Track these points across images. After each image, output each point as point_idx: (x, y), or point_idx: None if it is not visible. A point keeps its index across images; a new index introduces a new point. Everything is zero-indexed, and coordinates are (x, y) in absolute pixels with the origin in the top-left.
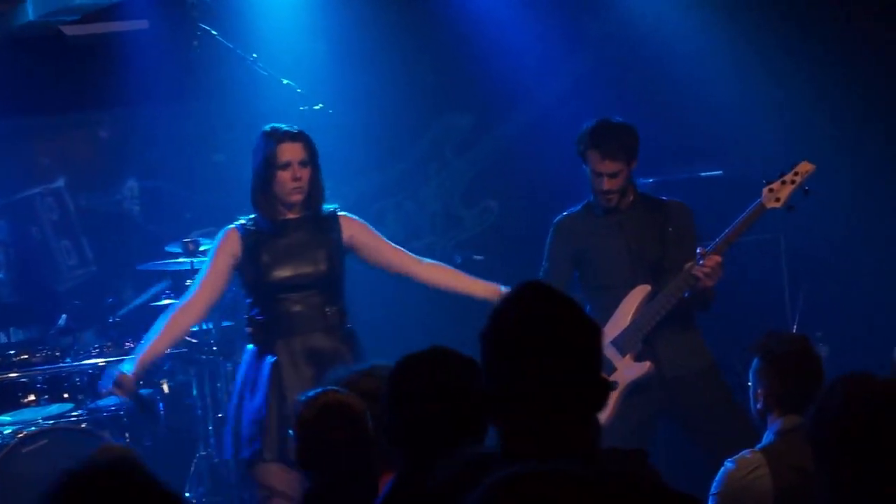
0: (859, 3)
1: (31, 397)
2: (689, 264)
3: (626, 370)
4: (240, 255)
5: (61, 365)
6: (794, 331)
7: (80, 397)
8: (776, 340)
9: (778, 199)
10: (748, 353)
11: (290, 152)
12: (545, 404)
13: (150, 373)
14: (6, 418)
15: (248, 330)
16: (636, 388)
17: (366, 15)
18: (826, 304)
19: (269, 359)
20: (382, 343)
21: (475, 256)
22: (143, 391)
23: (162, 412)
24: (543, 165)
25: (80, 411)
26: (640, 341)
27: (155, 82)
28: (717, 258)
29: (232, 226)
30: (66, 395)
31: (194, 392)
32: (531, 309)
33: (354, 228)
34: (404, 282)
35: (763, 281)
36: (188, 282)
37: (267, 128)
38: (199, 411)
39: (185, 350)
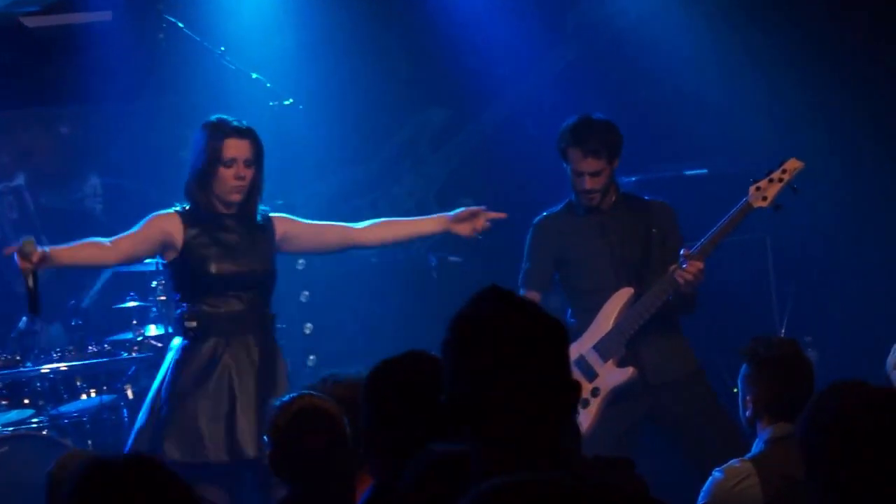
0: None
1: None
2: (672, 267)
3: (609, 376)
4: (178, 240)
5: (21, 369)
6: (782, 335)
7: (41, 403)
8: (765, 345)
9: (765, 198)
10: (735, 357)
11: (237, 149)
12: (513, 410)
13: (112, 377)
14: None
15: (192, 324)
16: (619, 394)
17: (337, 7)
18: (815, 308)
19: (210, 358)
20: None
21: (451, 258)
22: (106, 397)
23: (126, 418)
24: (522, 163)
25: (41, 417)
26: (622, 346)
27: (119, 76)
28: (699, 264)
29: (172, 209)
30: (26, 401)
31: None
32: (491, 313)
33: (283, 224)
34: (356, 262)
35: (749, 283)
36: (153, 283)
37: (213, 118)
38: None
39: (151, 354)
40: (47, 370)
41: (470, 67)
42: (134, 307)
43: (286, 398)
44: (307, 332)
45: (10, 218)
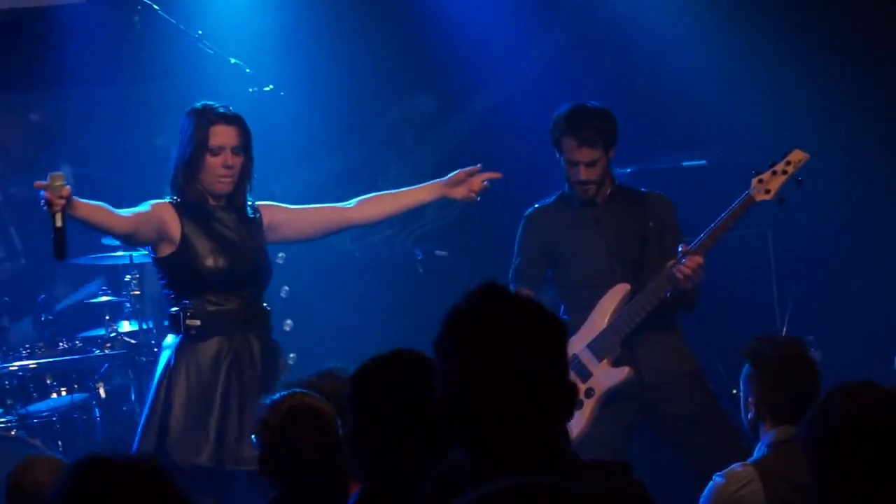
0: None
1: None
2: (670, 262)
3: (604, 376)
4: (175, 233)
5: None
6: (784, 334)
7: (9, 402)
8: (768, 345)
9: (768, 191)
10: (734, 358)
11: (224, 136)
12: (508, 412)
13: (84, 375)
14: None
15: (195, 322)
16: (614, 395)
17: None
18: (818, 306)
19: (211, 358)
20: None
21: (437, 252)
22: (77, 396)
23: (98, 418)
24: (512, 153)
25: (9, 417)
26: (618, 345)
27: (91, 61)
28: (699, 259)
29: (166, 199)
30: None
31: (133, 397)
32: (487, 310)
33: (269, 212)
34: (338, 256)
35: (749, 280)
36: (127, 277)
37: (198, 105)
38: (138, 418)
39: (124, 351)
40: (16, 367)
41: (458, 53)
42: (106, 302)
43: (276, 396)
44: (287, 329)
45: None
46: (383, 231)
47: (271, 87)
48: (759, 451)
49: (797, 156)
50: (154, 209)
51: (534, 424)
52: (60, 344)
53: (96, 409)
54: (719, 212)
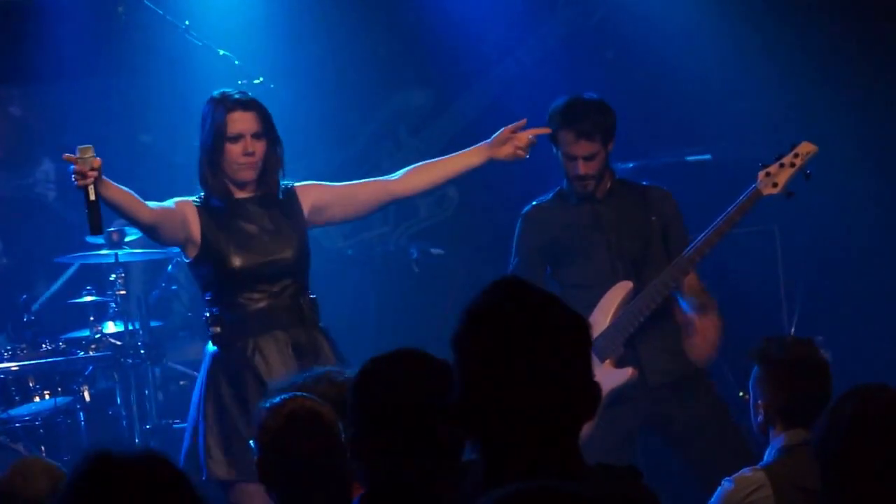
0: None
1: None
2: (675, 259)
3: (607, 378)
4: (196, 232)
5: None
6: (792, 334)
7: None
8: (777, 346)
9: (776, 185)
10: (740, 360)
11: (242, 123)
12: (531, 415)
13: (67, 378)
14: None
15: (216, 330)
16: (618, 397)
17: None
18: (827, 305)
19: (244, 362)
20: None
21: (432, 250)
22: (60, 400)
23: (82, 422)
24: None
25: None
26: (621, 345)
27: (74, 53)
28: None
29: (190, 198)
30: None
31: (118, 400)
32: (506, 306)
33: (312, 194)
34: (332, 254)
35: (756, 279)
36: (112, 276)
37: (216, 94)
38: (125, 422)
39: (109, 353)
40: None
41: (452, 45)
42: (91, 302)
43: (276, 399)
44: None
45: None
46: (377, 228)
47: (261, 79)
48: (769, 456)
49: (805, 148)
50: (178, 207)
51: (554, 426)
52: (43, 346)
53: (80, 413)
54: (724, 208)
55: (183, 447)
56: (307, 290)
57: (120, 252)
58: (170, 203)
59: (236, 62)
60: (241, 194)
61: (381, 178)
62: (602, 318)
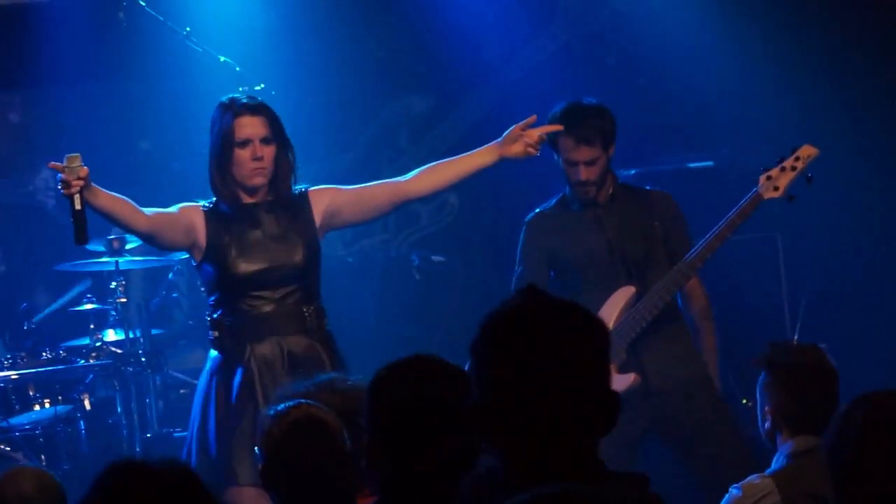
0: None
1: None
2: (678, 265)
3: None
4: (202, 237)
5: None
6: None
7: None
8: (784, 351)
9: (777, 188)
10: (744, 367)
11: (250, 127)
12: (552, 423)
13: (68, 386)
14: None
15: (214, 334)
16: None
17: None
18: (830, 312)
19: (240, 368)
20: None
21: (434, 257)
22: (61, 408)
23: (83, 431)
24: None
25: None
26: (623, 350)
27: (74, 59)
28: None
29: (198, 203)
30: None
31: (119, 409)
32: (527, 313)
33: (325, 198)
34: (332, 261)
35: (759, 286)
36: (112, 284)
37: (224, 99)
38: (125, 431)
39: (110, 361)
40: None
41: (453, 51)
42: (91, 310)
43: (280, 407)
44: None
45: None
46: (377, 236)
47: (262, 85)
48: (777, 462)
49: (807, 151)
50: (182, 212)
51: (573, 433)
52: (43, 354)
53: (81, 422)
54: (726, 214)
55: (192, 448)
56: (315, 298)
57: (120, 260)
58: (174, 209)
59: (237, 69)
60: (250, 199)
61: (393, 179)
62: (607, 320)
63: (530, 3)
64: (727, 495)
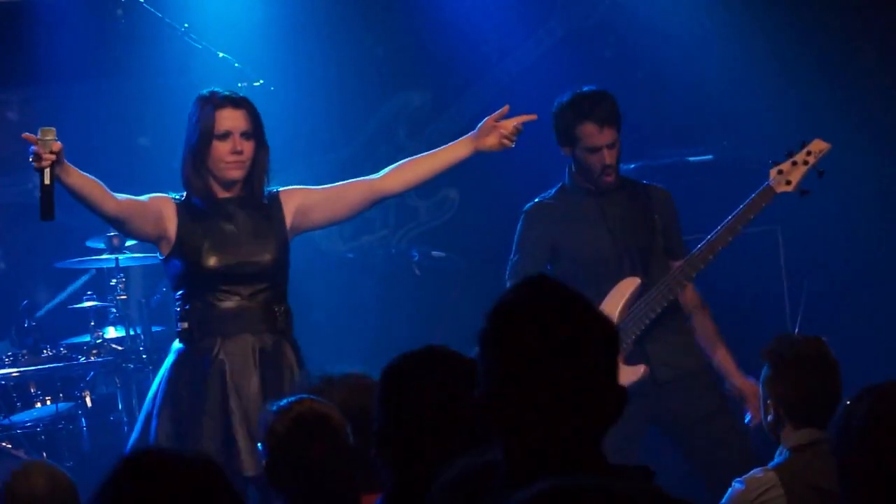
0: None
1: None
2: (677, 265)
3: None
4: (172, 229)
5: None
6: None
7: None
8: (787, 344)
9: (789, 182)
10: (745, 360)
11: (231, 121)
12: (559, 416)
13: (69, 383)
14: None
15: (183, 326)
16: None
17: None
18: (831, 306)
19: (208, 359)
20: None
21: (434, 252)
22: (62, 406)
23: (84, 428)
24: (508, 150)
25: None
26: (629, 342)
27: (72, 56)
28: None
29: (169, 195)
30: None
31: (120, 406)
32: (535, 304)
33: (296, 198)
34: (331, 257)
35: (759, 280)
36: (113, 281)
37: (205, 92)
38: (126, 428)
39: (111, 358)
40: None
41: (451, 46)
42: (91, 307)
43: (284, 402)
44: None
45: None
46: (377, 231)
47: (261, 81)
48: (780, 456)
49: (818, 146)
50: (152, 202)
51: (580, 424)
52: (44, 351)
53: (82, 419)
54: (727, 208)
55: (132, 438)
56: (284, 299)
57: (121, 256)
58: (144, 198)
59: (236, 65)
60: (224, 194)
61: (366, 177)
62: (611, 312)
63: None
64: (730, 489)
